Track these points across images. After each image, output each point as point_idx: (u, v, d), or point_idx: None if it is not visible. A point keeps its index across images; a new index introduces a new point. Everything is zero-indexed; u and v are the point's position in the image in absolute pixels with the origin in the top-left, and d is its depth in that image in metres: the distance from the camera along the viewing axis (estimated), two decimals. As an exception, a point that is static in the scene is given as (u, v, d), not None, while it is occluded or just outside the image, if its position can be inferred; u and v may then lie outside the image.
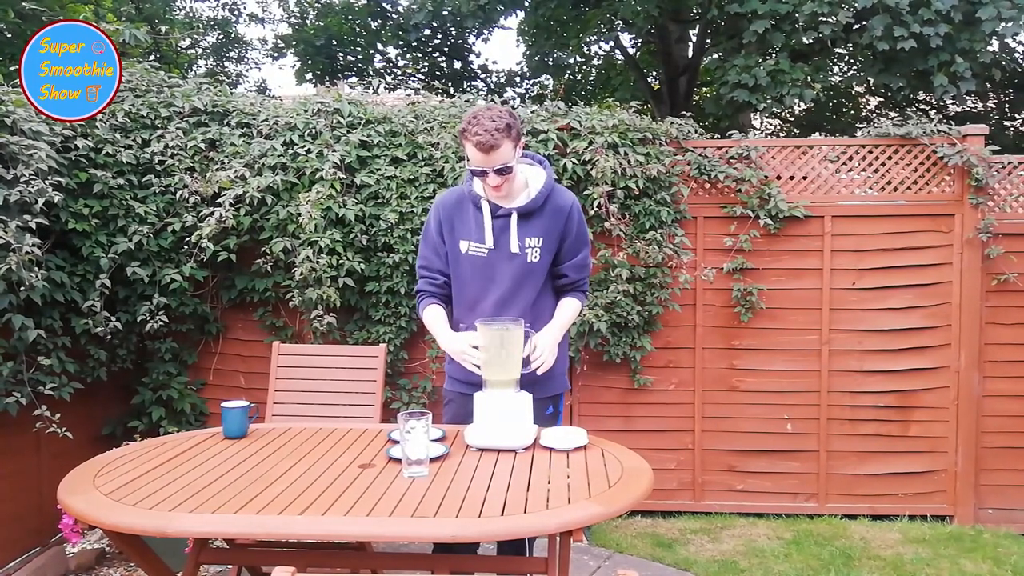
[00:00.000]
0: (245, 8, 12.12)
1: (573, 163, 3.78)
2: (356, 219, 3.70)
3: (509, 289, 2.35)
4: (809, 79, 6.41)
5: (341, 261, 3.66)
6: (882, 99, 10.02)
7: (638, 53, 10.63)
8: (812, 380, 4.08)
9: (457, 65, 11.03)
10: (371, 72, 10.82)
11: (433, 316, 2.41)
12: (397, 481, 2.00)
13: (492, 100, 4.11)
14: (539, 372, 2.26)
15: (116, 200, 3.52)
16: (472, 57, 11.09)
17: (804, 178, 4.11)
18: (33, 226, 2.99)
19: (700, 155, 4.04)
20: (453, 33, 10.51)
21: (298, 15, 11.81)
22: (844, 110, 10.62)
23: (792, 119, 10.69)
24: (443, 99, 4.50)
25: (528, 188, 2.37)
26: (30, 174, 3.00)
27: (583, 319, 3.77)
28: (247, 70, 12.29)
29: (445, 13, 8.83)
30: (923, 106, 9.05)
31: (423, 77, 11.32)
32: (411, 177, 3.80)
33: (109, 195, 3.50)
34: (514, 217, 2.32)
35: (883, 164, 4.08)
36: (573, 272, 2.42)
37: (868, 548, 3.69)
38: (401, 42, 10.35)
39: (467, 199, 2.39)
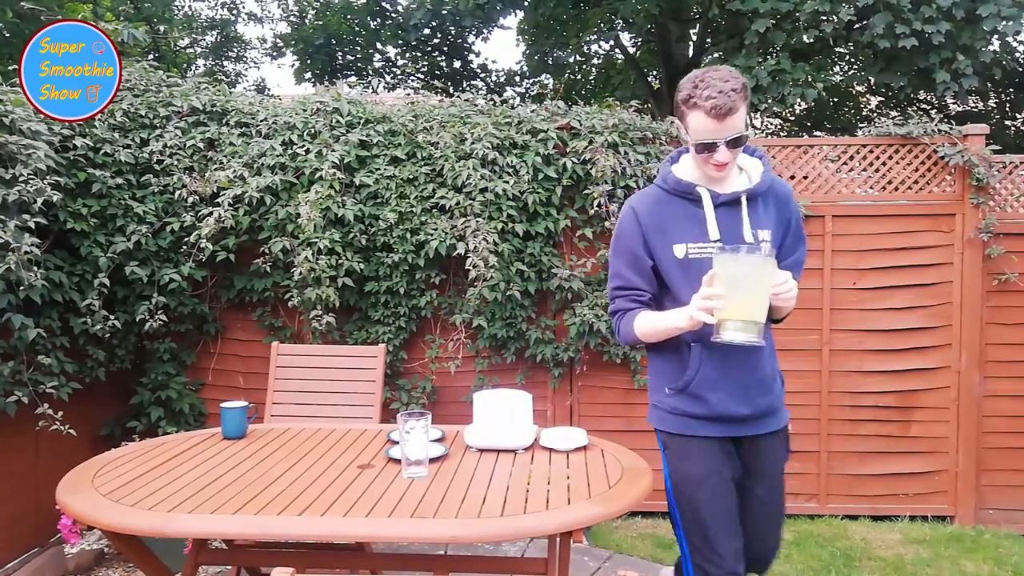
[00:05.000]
0: (244, 7, 12.09)
1: (573, 162, 3.77)
2: (355, 219, 3.69)
3: None
4: (810, 78, 6.40)
5: (340, 261, 3.65)
6: (883, 98, 10.01)
7: (638, 52, 10.62)
8: (812, 380, 4.07)
9: (456, 64, 11.02)
10: (370, 71, 10.81)
11: (647, 317, 1.98)
12: (396, 482, 2.00)
13: (492, 100, 4.12)
14: (782, 301, 1.86)
15: (115, 200, 3.52)
16: (471, 56, 11.07)
17: (805, 177, 4.10)
18: (32, 226, 2.98)
19: (700, 154, 4.02)
20: (452, 32, 10.49)
21: (297, 14, 11.80)
22: (845, 109, 10.61)
23: (793, 118, 10.67)
24: (442, 98, 4.49)
25: (745, 172, 2.02)
26: (29, 173, 2.99)
27: (583, 319, 3.77)
28: (246, 69, 12.25)
29: (444, 12, 8.82)
30: (924, 106, 9.04)
31: (422, 76, 11.30)
32: (410, 177, 3.79)
33: (108, 195, 3.49)
34: (744, 201, 1.94)
35: (884, 164, 4.07)
36: (792, 270, 2.01)
37: (869, 549, 3.69)
38: (400, 41, 10.34)
39: (669, 195, 2.00)
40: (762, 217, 1.96)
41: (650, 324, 1.96)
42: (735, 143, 1.86)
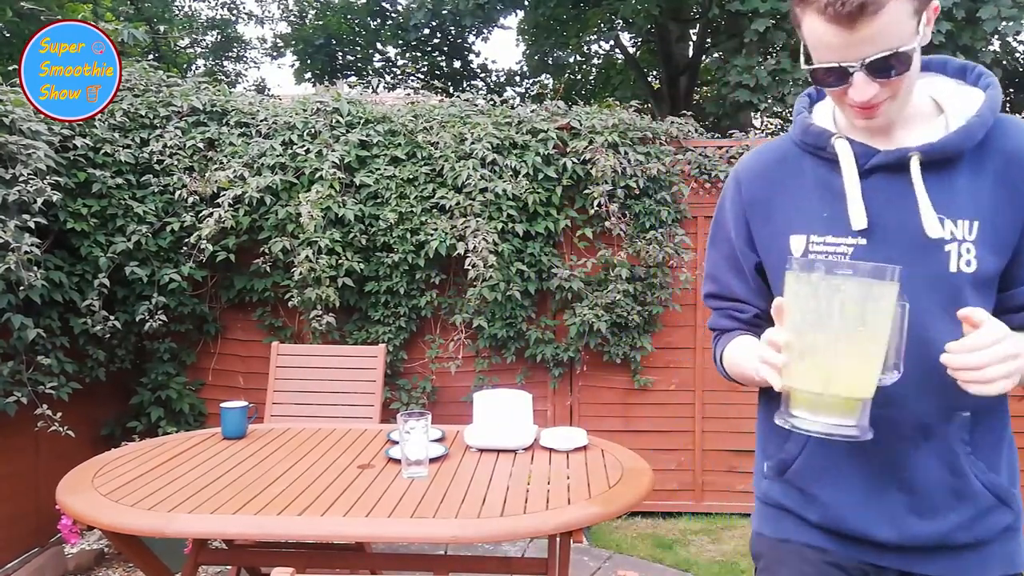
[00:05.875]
0: (244, 7, 12.11)
1: (573, 162, 3.77)
2: (355, 219, 3.69)
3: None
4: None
5: (340, 261, 3.65)
6: (882, 98, 10.03)
7: (638, 52, 10.63)
8: (812, 380, 4.06)
9: (456, 64, 11.03)
10: (370, 71, 10.82)
11: (739, 347, 1.24)
12: (396, 482, 2.00)
13: (492, 100, 4.12)
14: (970, 385, 0.96)
15: (115, 200, 3.52)
16: (471, 56, 11.08)
17: (805, 177, 4.10)
18: (32, 226, 2.98)
19: (700, 155, 4.03)
20: (452, 32, 10.50)
21: (297, 14, 11.81)
22: (844, 109, 10.62)
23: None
24: (442, 98, 4.50)
25: (943, 115, 1.12)
26: (29, 173, 2.99)
27: (583, 319, 3.76)
28: (246, 69, 12.28)
29: (444, 12, 8.83)
30: (923, 105, 9.06)
31: (422, 76, 11.32)
32: (410, 177, 3.79)
33: (108, 195, 3.49)
34: (915, 167, 1.08)
35: (884, 163, 4.07)
36: None
37: (869, 548, 3.68)
38: (400, 41, 10.35)
39: (797, 152, 1.20)
40: (961, 195, 1.08)
41: (736, 360, 1.24)
42: (883, 68, 1.00)
